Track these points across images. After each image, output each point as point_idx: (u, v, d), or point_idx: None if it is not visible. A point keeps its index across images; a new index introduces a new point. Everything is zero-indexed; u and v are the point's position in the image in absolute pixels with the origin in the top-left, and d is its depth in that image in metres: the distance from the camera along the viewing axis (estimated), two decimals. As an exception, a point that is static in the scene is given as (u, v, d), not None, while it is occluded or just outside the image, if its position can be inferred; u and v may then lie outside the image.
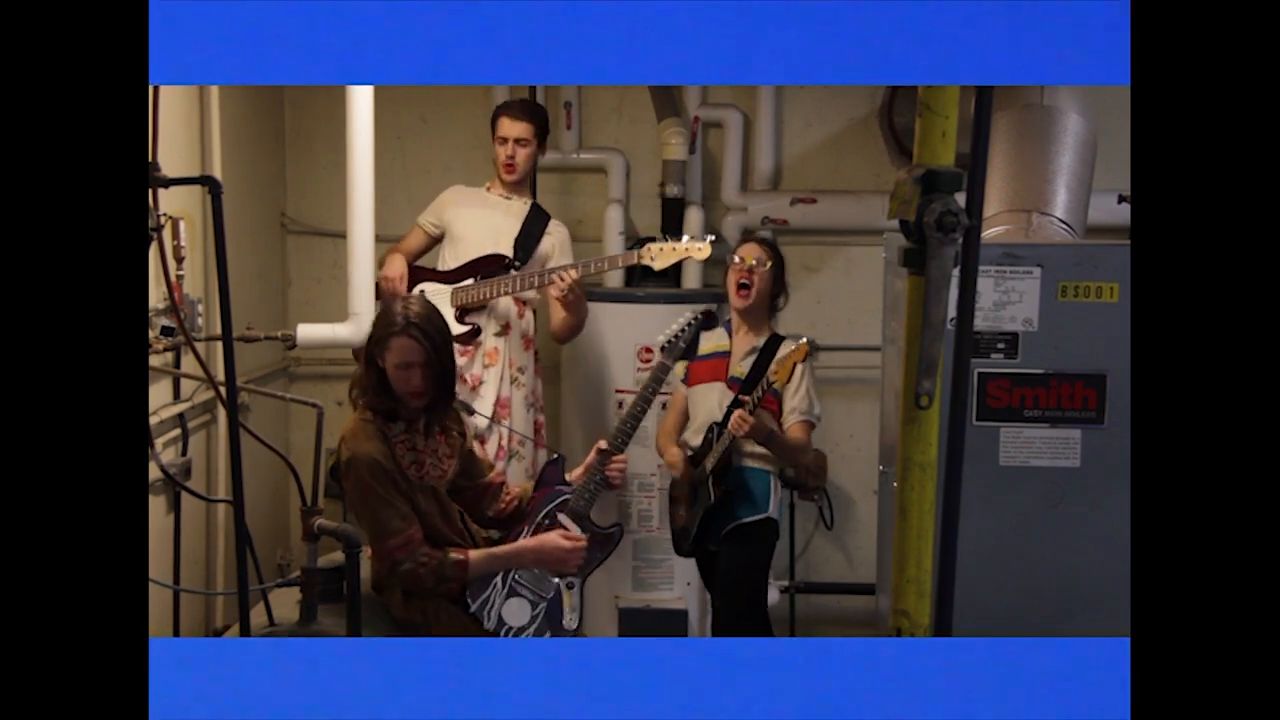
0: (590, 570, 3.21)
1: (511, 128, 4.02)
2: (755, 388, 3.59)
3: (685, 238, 3.89)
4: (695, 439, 3.75)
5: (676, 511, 3.83)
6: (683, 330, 3.43)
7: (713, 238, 3.89)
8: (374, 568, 3.10)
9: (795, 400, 3.61)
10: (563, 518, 3.19)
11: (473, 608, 3.04)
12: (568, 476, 3.27)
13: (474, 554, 3.06)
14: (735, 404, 3.63)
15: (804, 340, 3.53)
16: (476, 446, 3.90)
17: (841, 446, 4.80)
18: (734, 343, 3.77)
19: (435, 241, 4.13)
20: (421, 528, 3.03)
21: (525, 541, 3.15)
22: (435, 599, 3.05)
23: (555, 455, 3.40)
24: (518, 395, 4.07)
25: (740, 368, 3.71)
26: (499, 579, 3.07)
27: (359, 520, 3.07)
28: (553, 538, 3.14)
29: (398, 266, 4.01)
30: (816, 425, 3.68)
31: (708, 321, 3.51)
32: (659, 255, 3.85)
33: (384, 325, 3.04)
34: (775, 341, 3.71)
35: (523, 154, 4.04)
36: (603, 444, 3.26)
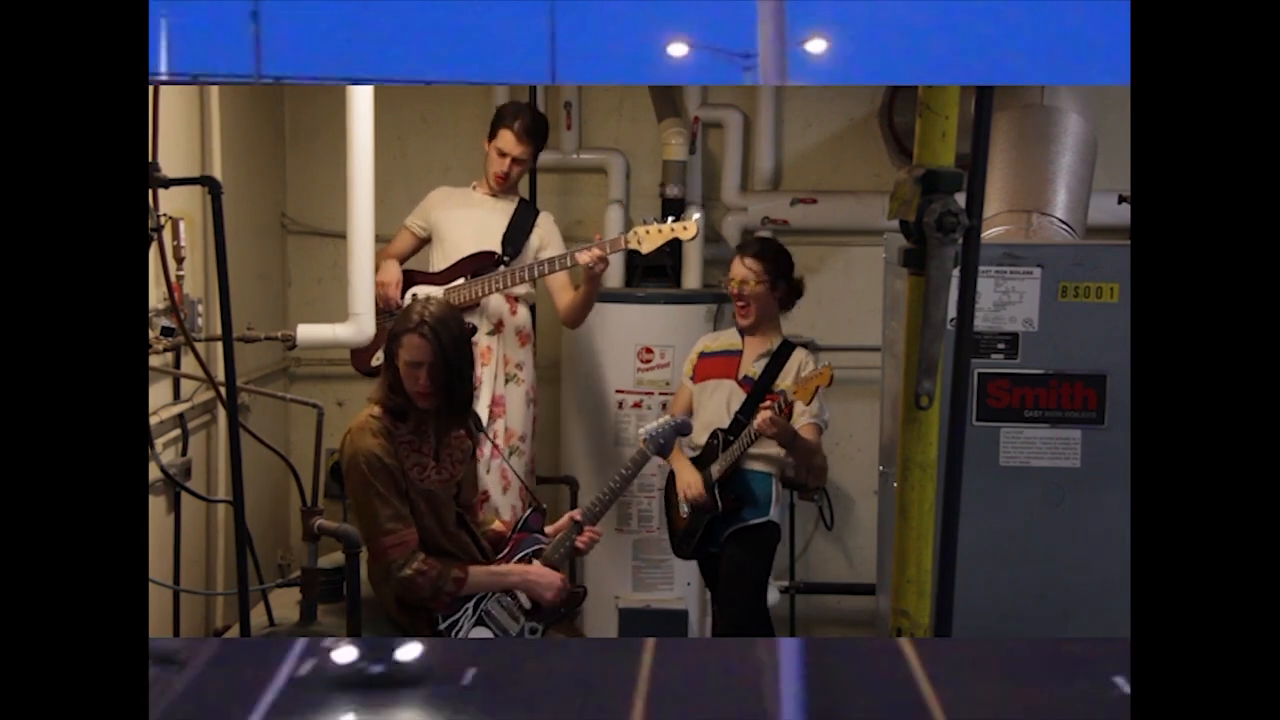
0: (551, 623, 3.23)
1: (515, 147, 4.03)
2: (768, 391, 3.64)
3: (670, 219, 3.92)
4: (699, 437, 3.76)
5: (677, 512, 3.83)
6: (663, 428, 3.46)
7: (698, 216, 3.92)
8: (369, 563, 3.11)
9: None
10: (538, 564, 3.24)
11: (442, 625, 3.07)
12: (547, 529, 3.32)
13: (473, 570, 3.10)
14: (748, 404, 3.66)
15: (828, 365, 3.55)
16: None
17: (841, 446, 4.79)
18: (746, 344, 3.80)
19: (423, 243, 4.14)
20: (417, 531, 3.04)
21: (520, 566, 3.20)
22: (419, 612, 3.08)
23: (539, 505, 3.45)
24: (517, 391, 4.08)
25: (754, 369, 3.74)
26: (470, 605, 3.10)
27: (356, 515, 3.10)
28: (546, 570, 3.20)
29: (393, 272, 4.02)
30: (824, 430, 3.70)
31: (684, 427, 3.55)
32: (645, 238, 3.88)
33: (401, 322, 3.10)
34: (787, 347, 3.75)
35: (517, 170, 4.09)
36: (576, 515, 3.29)
